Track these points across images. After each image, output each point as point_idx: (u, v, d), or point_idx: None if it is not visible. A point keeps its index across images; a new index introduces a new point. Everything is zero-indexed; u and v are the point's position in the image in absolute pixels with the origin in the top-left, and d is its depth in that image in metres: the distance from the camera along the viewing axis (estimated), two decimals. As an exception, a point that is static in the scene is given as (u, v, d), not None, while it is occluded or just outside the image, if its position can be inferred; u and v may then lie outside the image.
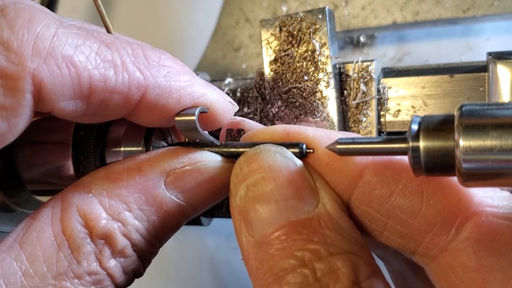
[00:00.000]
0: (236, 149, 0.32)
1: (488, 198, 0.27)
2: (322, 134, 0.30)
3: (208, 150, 0.33)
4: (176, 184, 0.31)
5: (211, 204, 0.33)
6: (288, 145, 0.30)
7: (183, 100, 0.31)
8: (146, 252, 0.32)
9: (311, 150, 0.30)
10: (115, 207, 0.30)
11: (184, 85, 0.31)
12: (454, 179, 0.27)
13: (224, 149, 0.33)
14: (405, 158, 0.28)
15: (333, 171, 0.29)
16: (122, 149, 0.35)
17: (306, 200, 0.28)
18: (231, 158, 0.34)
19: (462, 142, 0.24)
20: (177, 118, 0.31)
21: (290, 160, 0.29)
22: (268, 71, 0.45)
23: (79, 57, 0.26)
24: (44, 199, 0.39)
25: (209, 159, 0.31)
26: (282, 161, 0.29)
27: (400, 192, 0.28)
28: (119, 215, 0.30)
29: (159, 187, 0.31)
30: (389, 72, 0.45)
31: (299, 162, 0.29)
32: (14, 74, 0.25)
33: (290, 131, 0.31)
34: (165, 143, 0.37)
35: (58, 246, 0.29)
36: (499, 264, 0.25)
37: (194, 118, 0.31)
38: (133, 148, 0.35)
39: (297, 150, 0.30)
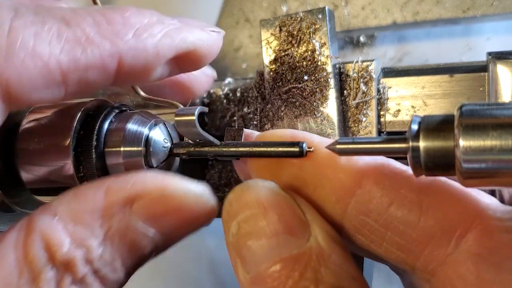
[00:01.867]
0: (236, 149, 0.32)
1: (490, 210, 0.27)
2: (327, 142, 0.30)
3: (208, 150, 0.33)
4: (143, 211, 0.30)
5: (185, 233, 0.31)
6: (289, 144, 0.30)
7: (162, 53, 0.29)
8: (110, 281, 0.30)
9: (311, 149, 0.30)
10: (79, 232, 0.29)
11: (159, 37, 0.29)
12: (456, 188, 0.27)
13: (224, 149, 0.33)
14: (404, 167, 0.28)
15: (332, 180, 0.29)
16: (122, 149, 0.35)
17: (297, 234, 0.27)
18: (232, 158, 0.34)
19: (462, 142, 0.24)
20: (176, 118, 0.31)
21: (278, 194, 0.29)
22: (268, 71, 0.45)
23: (40, 46, 0.25)
24: (44, 199, 0.39)
25: (177, 186, 0.30)
26: (270, 196, 0.28)
27: (399, 202, 0.27)
28: (83, 241, 0.29)
29: (124, 213, 0.29)
30: (389, 72, 0.45)
31: (287, 195, 0.29)
32: None
33: (298, 137, 0.31)
34: (164, 143, 0.37)
35: (19, 271, 0.28)
36: (499, 278, 0.24)
37: (193, 118, 0.30)
38: (133, 148, 0.35)
39: (297, 149, 0.30)
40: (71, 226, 0.29)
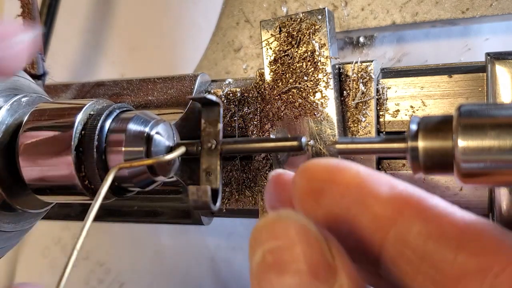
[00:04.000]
0: (236, 146, 0.32)
1: None
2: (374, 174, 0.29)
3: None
4: None
5: None
6: (287, 139, 0.30)
7: None
8: None
9: (311, 142, 0.30)
10: None
11: None
12: (495, 230, 0.26)
13: (224, 147, 0.33)
14: (447, 203, 0.27)
15: (373, 207, 0.28)
16: (123, 148, 0.35)
17: (321, 278, 0.26)
18: (233, 154, 0.34)
19: (461, 142, 0.24)
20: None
21: (309, 231, 0.28)
22: (268, 72, 0.45)
23: None
24: (46, 198, 0.39)
25: None
26: (300, 232, 0.27)
27: (438, 235, 0.26)
28: None
29: None
30: (388, 73, 0.46)
31: (319, 234, 0.28)
32: None
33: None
34: (167, 143, 0.37)
35: None
36: None
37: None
38: (134, 148, 0.35)
39: (295, 144, 0.30)
40: None
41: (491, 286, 0.26)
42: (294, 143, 0.30)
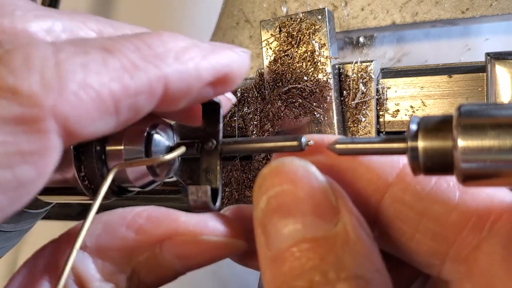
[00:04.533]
0: (237, 146, 0.32)
1: None
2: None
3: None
4: (173, 250, 0.31)
5: (206, 265, 0.33)
6: (287, 139, 0.30)
7: (203, 75, 0.29)
8: None
9: (311, 142, 0.30)
10: (107, 268, 0.30)
11: (197, 60, 0.29)
12: None
13: (225, 147, 0.33)
14: None
15: (370, 170, 0.29)
16: (123, 148, 0.35)
17: (325, 217, 0.27)
18: (233, 154, 0.34)
19: (461, 142, 0.24)
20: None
21: (312, 174, 0.28)
22: (268, 72, 0.45)
23: (90, 77, 0.25)
24: (46, 198, 0.39)
25: (211, 231, 0.31)
26: (303, 175, 0.28)
27: (437, 185, 0.27)
28: (111, 276, 0.30)
29: (154, 250, 0.30)
30: (388, 73, 0.46)
31: (321, 178, 0.28)
32: (33, 117, 0.23)
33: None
34: (167, 142, 0.37)
35: None
36: None
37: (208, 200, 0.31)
38: (134, 148, 0.35)
39: (295, 143, 0.30)
40: (100, 262, 0.30)
41: (489, 231, 0.26)
42: (294, 143, 0.30)
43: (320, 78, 0.43)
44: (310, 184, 0.28)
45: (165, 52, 0.28)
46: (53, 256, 0.31)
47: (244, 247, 0.31)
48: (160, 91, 0.28)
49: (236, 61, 0.31)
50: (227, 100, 0.35)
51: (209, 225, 0.31)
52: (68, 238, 0.32)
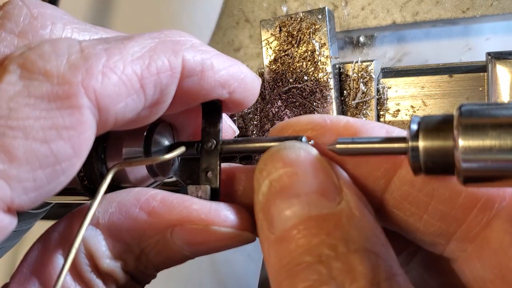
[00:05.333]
0: (237, 145, 0.32)
1: None
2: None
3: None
4: (183, 237, 0.31)
5: (215, 252, 0.33)
6: (287, 139, 0.30)
7: (217, 67, 0.30)
8: (144, 281, 0.33)
9: (311, 142, 0.30)
10: (117, 247, 0.31)
11: (212, 54, 0.30)
12: None
13: (225, 146, 0.33)
14: None
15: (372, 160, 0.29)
16: (122, 148, 0.35)
17: (329, 196, 0.27)
18: (234, 154, 0.34)
19: (461, 142, 0.24)
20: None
21: (314, 156, 0.28)
22: (268, 71, 0.45)
23: (113, 58, 0.27)
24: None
25: (222, 222, 0.30)
26: (306, 157, 0.28)
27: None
28: (121, 255, 0.31)
29: (164, 235, 0.31)
30: (389, 72, 0.46)
31: (322, 159, 0.29)
32: (65, 94, 0.25)
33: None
34: (167, 142, 0.37)
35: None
36: None
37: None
38: (133, 148, 0.35)
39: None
40: (111, 240, 0.30)
41: (499, 210, 0.26)
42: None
43: (320, 78, 0.43)
44: (312, 166, 0.28)
45: (183, 40, 0.29)
46: (66, 230, 0.32)
47: (253, 239, 0.31)
48: (179, 69, 0.29)
49: (248, 72, 0.32)
50: (230, 130, 0.36)
51: (221, 216, 0.30)
52: (82, 214, 0.33)
